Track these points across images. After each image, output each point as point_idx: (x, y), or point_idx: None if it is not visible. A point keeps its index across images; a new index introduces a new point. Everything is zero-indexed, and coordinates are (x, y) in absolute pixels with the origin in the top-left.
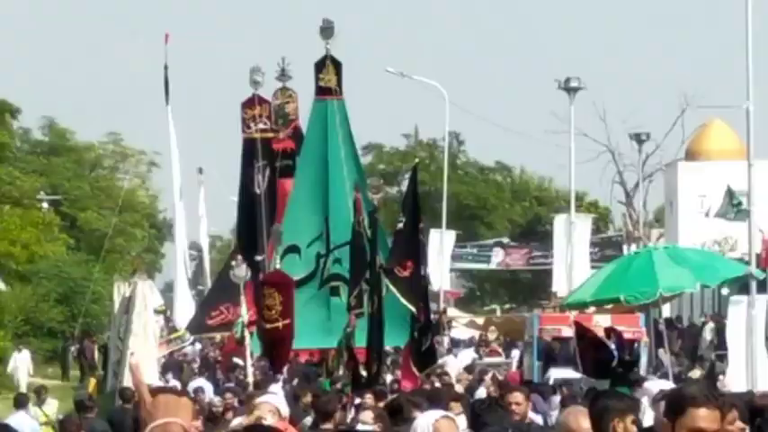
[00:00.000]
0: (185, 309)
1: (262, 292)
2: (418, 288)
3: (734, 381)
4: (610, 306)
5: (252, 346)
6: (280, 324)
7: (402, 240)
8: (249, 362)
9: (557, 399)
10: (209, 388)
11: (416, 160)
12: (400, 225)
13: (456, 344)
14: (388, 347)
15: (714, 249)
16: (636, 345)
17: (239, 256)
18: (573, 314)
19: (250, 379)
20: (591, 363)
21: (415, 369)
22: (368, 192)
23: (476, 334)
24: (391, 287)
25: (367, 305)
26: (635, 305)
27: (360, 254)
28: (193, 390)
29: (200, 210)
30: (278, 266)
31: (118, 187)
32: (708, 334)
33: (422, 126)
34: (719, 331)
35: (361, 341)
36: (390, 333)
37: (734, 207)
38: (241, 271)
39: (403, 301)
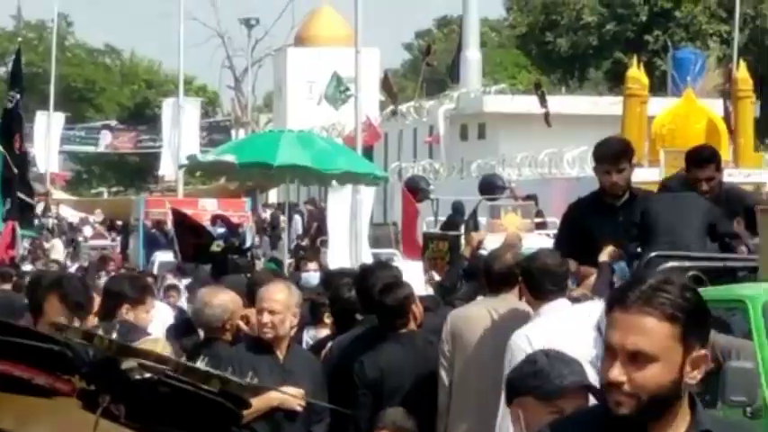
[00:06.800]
0: None
1: None
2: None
3: (336, 262)
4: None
5: None
6: None
7: (11, 118)
8: None
9: None
10: None
11: (19, 40)
12: (9, 104)
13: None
14: None
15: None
16: (242, 229)
17: None
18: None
19: None
20: (190, 247)
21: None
22: None
23: (83, 216)
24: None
25: None
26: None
27: None
28: None
29: None
30: None
31: None
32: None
33: (30, 6)
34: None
35: None
36: None
37: (341, 93)
38: None
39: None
